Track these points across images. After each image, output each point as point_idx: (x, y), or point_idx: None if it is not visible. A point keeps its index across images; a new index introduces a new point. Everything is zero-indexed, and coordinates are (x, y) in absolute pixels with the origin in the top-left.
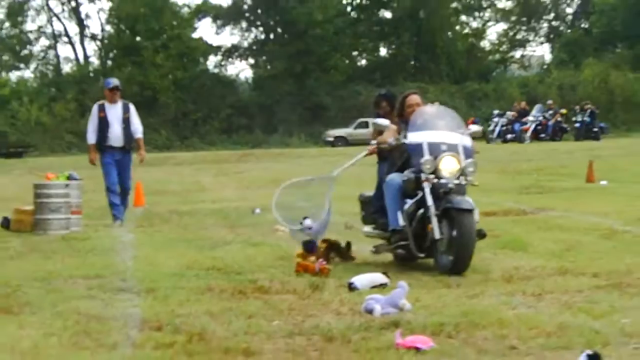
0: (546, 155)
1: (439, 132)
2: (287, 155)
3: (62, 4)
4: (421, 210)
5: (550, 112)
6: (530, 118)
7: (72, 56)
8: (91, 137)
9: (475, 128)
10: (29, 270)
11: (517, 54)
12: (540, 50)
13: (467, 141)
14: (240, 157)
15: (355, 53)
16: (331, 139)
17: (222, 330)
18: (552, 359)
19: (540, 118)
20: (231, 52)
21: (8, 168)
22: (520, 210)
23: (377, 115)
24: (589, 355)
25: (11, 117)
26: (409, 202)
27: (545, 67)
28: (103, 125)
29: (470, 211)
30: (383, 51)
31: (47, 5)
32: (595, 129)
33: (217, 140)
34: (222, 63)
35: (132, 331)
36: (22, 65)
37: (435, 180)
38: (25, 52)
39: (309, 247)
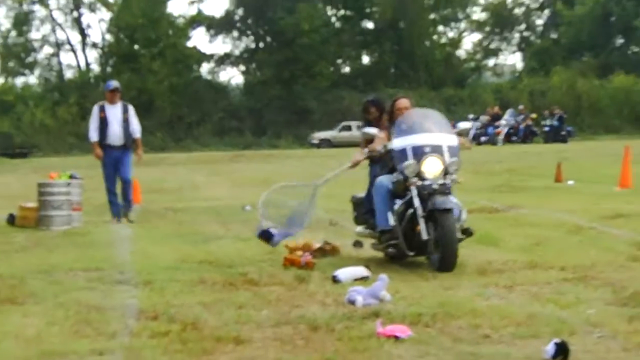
0: (517, 157)
1: (424, 135)
2: (275, 156)
3: (65, 14)
4: (410, 210)
5: (522, 116)
6: (502, 122)
7: (74, 63)
8: (93, 135)
9: (464, 125)
10: (33, 263)
11: (491, 62)
12: (512, 59)
13: (453, 140)
14: (232, 158)
15: (339, 61)
16: (316, 141)
17: (214, 319)
18: (522, 347)
19: (512, 122)
20: (223, 60)
21: (13, 167)
22: (493, 208)
23: (366, 121)
24: (556, 344)
25: (17, 120)
26: (399, 203)
27: (517, 74)
28: (103, 124)
29: (449, 210)
30: (365, 59)
31: (51, 15)
32: (563, 133)
33: (210, 141)
34: (215, 70)
35: (130, 321)
36: (27, 72)
37: (420, 183)
38: (30, 59)
39: (265, 236)
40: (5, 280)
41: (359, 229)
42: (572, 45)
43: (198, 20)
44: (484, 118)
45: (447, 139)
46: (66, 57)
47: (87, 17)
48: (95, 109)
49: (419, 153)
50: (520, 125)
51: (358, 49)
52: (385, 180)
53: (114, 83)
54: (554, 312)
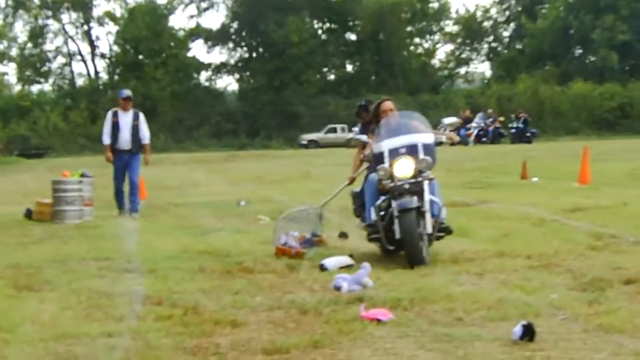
0: (487, 156)
1: (401, 137)
2: (267, 156)
3: (76, 27)
4: (392, 209)
5: (490, 119)
6: (473, 124)
7: (85, 72)
8: (106, 139)
9: (449, 120)
10: (49, 254)
11: (462, 70)
12: (482, 67)
13: (428, 138)
14: (228, 158)
15: (325, 69)
16: (305, 142)
17: (213, 304)
18: (492, 329)
19: (482, 124)
20: (220, 69)
21: (30, 167)
22: (464, 202)
23: (360, 125)
24: (523, 325)
25: (33, 124)
26: (381, 199)
27: (485, 81)
28: (115, 129)
29: (409, 210)
30: (349, 67)
31: (64, 28)
32: (528, 134)
33: (208, 143)
34: (212, 78)
35: (136, 305)
36: (42, 80)
37: (391, 184)
38: (45, 68)
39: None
40: (23, 269)
41: (358, 221)
42: (535, 55)
43: (197, 32)
44: (457, 121)
45: (423, 137)
46: (77, 67)
47: (96, 30)
48: (109, 115)
49: (394, 155)
50: (489, 128)
51: (342, 58)
52: (374, 177)
53: (127, 92)
54: (520, 297)
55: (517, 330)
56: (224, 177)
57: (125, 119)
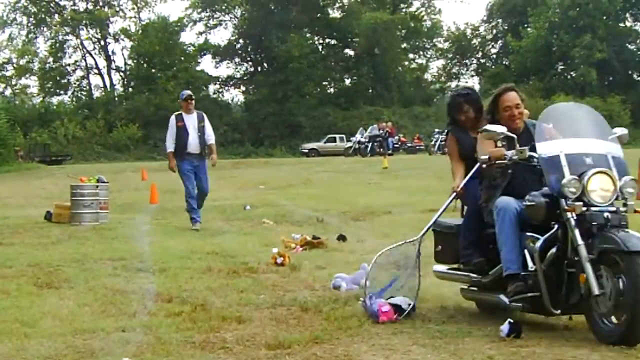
0: None
1: (582, 141)
2: (271, 164)
3: (94, 43)
4: (553, 249)
5: None
6: None
7: (101, 84)
8: (170, 146)
9: (620, 131)
10: (67, 254)
11: (453, 84)
12: (471, 82)
13: (617, 150)
14: (234, 165)
15: (325, 82)
16: (306, 150)
17: (220, 302)
18: (482, 326)
19: None
20: (227, 82)
21: (50, 172)
22: (457, 208)
23: (452, 123)
24: (510, 323)
25: (53, 132)
26: (541, 239)
27: None
28: (182, 133)
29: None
30: (347, 81)
31: (82, 44)
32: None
33: (216, 151)
34: (220, 90)
35: (148, 302)
36: (61, 92)
37: (585, 209)
38: (64, 81)
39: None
40: (43, 267)
41: (441, 268)
42: (520, 70)
43: (205, 48)
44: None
45: (610, 147)
46: (94, 79)
47: (112, 46)
48: (172, 120)
49: (577, 164)
50: None
51: (340, 72)
52: (512, 203)
53: (187, 92)
54: None
55: (505, 327)
56: (231, 183)
57: (191, 121)
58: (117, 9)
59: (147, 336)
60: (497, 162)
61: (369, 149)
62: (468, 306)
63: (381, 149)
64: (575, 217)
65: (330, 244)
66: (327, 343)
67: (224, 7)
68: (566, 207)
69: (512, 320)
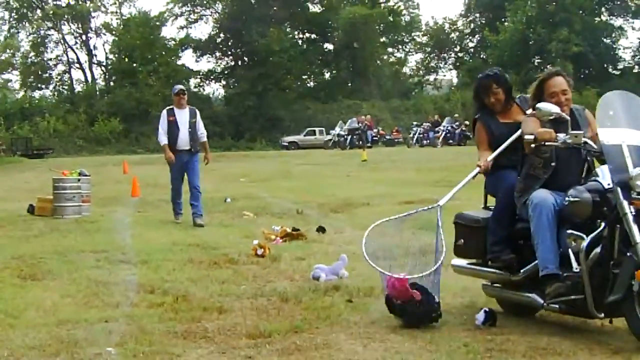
0: (453, 157)
1: (637, 132)
2: (251, 157)
3: (75, 37)
4: (597, 249)
5: (457, 123)
6: (441, 127)
7: (83, 78)
8: (163, 139)
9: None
10: (50, 246)
11: (431, 77)
12: (449, 75)
13: None
14: (215, 158)
15: (304, 76)
16: (286, 143)
17: (201, 292)
18: (457, 315)
19: (449, 128)
20: (207, 76)
21: (32, 166)
22: (433, 199)
23: (481, 108)
24: (485, 312)
25: (35, 126)
26: (587, 238)
27: (452, 88)
28: (172, 128)
29: None
30: (326, 75)
31: (63, 38)
32: None
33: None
34: (201, 84)
35: (131, 293)
36: (43, 86)
37: None
38: (46, 75)
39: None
40: (26, 260)
41: (460, 262)
42: (498, 64)
43: (186, 42)
44: (426, 124)
45: None
46: (76, 74)
47: (93, 40)
48: (164, 113)
49: (638, 156)
50: (455, 131)
51: (320, 66)
52: (549, 198)
53: (179, 86)
54: (475, 286)
55: (480, 315)
56: (212, 176)
57: (183, 116)
58: (99, 3)
59: (130, 326)
60: (546, 143)
61: (348, 141)
62: (444, 296)
63: (360, 142)
64: (634, 213)
65: (310, 236)
66: (306, 332)
67: (204, 2)
68: (633, 200)
69: (487, 309)
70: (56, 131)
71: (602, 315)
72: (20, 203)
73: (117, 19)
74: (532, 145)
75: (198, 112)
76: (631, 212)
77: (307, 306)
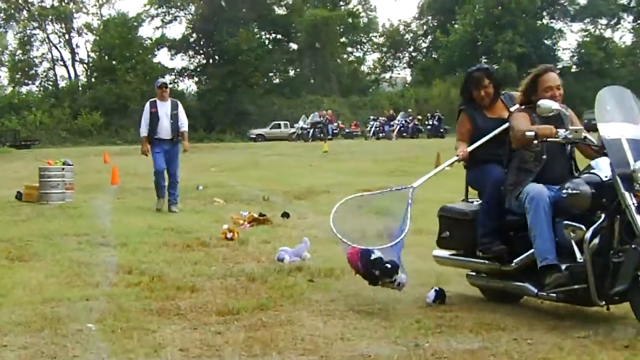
0: (407, 149)
1: (635, 126)
2: (221, 148)
3: (59, 36)
4: (596, 240)
5: (410, 117)
6: (396, 122)
7: (66, 75)
8: (143, 131)
9: None
10: (36, 230)
11: (387, 75)
12: (403, 73)
13: None
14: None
15: (271, 74)
16: (253, 136)
17: (175, 273)
18: (410, 293)
19: (403, 122)
20: (181, 73)
21: (20, 156)
22: (388, 187)
23: (468, 100)
24: (436, 291)
25: (22, 119)
26: (590, 229)
27: (406, 85)
28: (154, 119)
29: None
30: (291, 72)
31: (48, 38)
32: (441, 130)
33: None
34: (175, 80)
35: (110, 274)
36: (29, 82)
37: None
38: (32, 72)
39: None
40: (14, 242)
41: (442, 253)
42: (448, 63)
43: (162, 42)
44: (382, 119)
45: None
46: (60, 70)
47: (76, 39)
48: (147, 106)
49: (637, 149)
50: (409, 125)
51: (285, 64)
52: (545, 191)
53: (162, 79)
54: (434, 267)
55: (431, 294)
56: (185, 165)
57: (164, 108)
58: (81, 5)
59: (109, 304)
60: (547, 140)
61: (310, 134)
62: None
63: (322, 135)
64: (636, 204)
65: (275, 221)
66: (271, 310)
67: (179, 4)
68: (635, 192)
69: (437, 288)
70: (42, 124)
71: (603, 303)
72: (9, 190)
73: (97, 19)
74: (535, 142)
75: (180, 104)
76: (634, 204)
77: (272, 286)
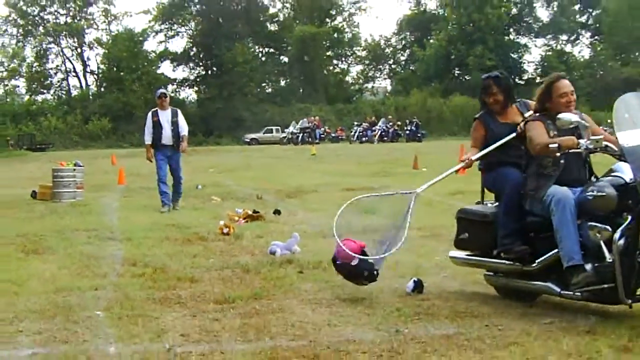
0: (388, 152)
1: None
2: (218, 151)
3: (72, 50)
4: (621, 240)
5: (390, 123)
6: (377, 127)
7: (78, 85)
8: (147, 139)
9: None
10: (49, 225)
11: (369, 85)
12: (384, 83)
13: None
14: (188, 152)
15: (264, 84)
16: (248, 140)
17: (176, 265)
18: (391, 283)
19: (384, 127)
20: (182, 83)
21: (35, 158)
22: (371, 187)
23: (482, 109)
24: (415, 281)
25: (38, 125)
26: (618, 230)
27: (387, 94)
28: (156, 128)
29: None
30: (282, 82)
31: (62, 51)
32: (419, 135)
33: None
34: (177, 90)
35: (117, 266)
36: (45, 91)
37: None
38: (47, 82)
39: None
40: (29, 237)
41: (458, 254)
42: (424, 75)
43: (165, 55)
44: (365, 124)
45: None
46: (72, 81)
47: (87, 52)
48: (149, 115)
49: None
50: (389, 130)
51: (276, 75)
52: (570, 194)
53: (161, 90)
54: (413, 259)
55: (410, 284)
56: (186, 167)
57: (165, 116)
58: (91, 21)
59: (116, 293)
60: (570, 150)
61: (300, 138)
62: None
63: (310, 139)
64: None
65: (268, 217)
66: (264, 299)
67: (180, 20)
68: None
69: (416, 279)
70: (56, 129)
71: (630, 301)
72: (25, 189)
73: (106, 34)
74: (558, 154)
75: (180, 112)
76: None
77: (265, 277)
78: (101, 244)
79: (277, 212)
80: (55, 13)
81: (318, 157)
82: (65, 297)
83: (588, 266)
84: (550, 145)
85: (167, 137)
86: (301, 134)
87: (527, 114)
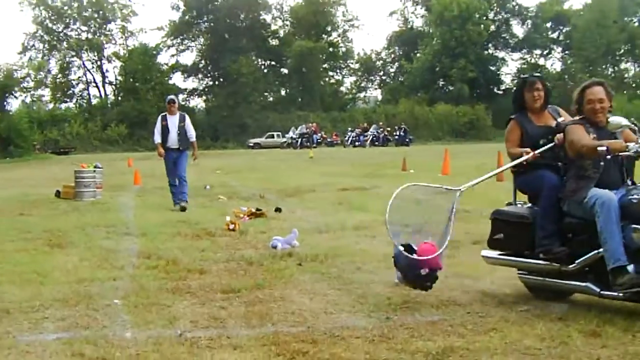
0: (379, 155)
1: None
2: (225, 154)
3: (92, 63)
4: None
5: (381, 129)
6: (369, 133)
7: (98, 94)
8: (157, 138)
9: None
10: (72, 222)
11: (362, 95)
12: (375, 93)
13: None
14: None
15: (266, 93)
16: (251, 144)
17: (186, 258)
18: (381, 275)
19: (375, 133)
20: (192, 92)
21: (59, 161)
22: (363, 187)
23: (520, 106)
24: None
25: (61, 130)
26: None
27: (377, 103)
28: (165, 131)
29: None
30: (282, 92)
31: (83, 64)
32: (407, 140)
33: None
34: (187, 99)
35: (133, 259)
36: (68, 100)
37: None
38: (70, 92)
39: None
40: (53, 232)
41: (491, 253)
42: (412, 85)
43: (176, 67)
44: (358, 130)
45: None
46: (93, 90)
47: (106, 65)
48: (159, 119)
49: None
50: (380, 135)
51: (277, 85)
52: (614, 196)
53: (170, 96)
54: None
55: (398, 275)
56: (195, 169)
57: (173, 121)
58: (110, 37)
59: (132, 284)
60: (618, 154)
61: (299, 143)
62: (372, 260)
63: (308, 143)
64: None
65: (270, 214)
66: (267, 289)
67: (190, 36)
68: None
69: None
70: (78, 134)
71: None
72: (50, 189)
73: (123, 49)
74: (608, 157)
75: (187, 117)
76: None
77: (267, 269)
78: (119, 239)
79: (278, 210)
80: (78, 29)
81: (315, 160)
82: (86, 287)
83: (631, 267)
84: (599, 148)
85: (173, 141)
86: (300, 139)
87: (559, 119)
